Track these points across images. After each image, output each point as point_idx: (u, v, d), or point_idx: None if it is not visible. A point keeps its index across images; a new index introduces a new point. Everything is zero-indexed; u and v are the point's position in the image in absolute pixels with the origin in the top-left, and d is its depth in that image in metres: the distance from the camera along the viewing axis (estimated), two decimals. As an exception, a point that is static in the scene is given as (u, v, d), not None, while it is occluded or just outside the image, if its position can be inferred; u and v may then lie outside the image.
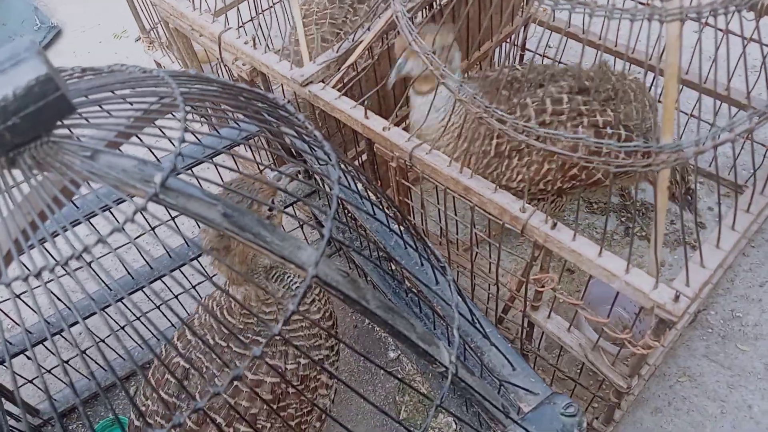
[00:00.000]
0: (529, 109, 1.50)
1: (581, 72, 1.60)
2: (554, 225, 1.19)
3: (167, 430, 0.54)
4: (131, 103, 0.67)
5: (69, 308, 0.68)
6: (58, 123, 0.57)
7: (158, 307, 1.60)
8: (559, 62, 1.63)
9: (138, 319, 1.53)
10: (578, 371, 1.55)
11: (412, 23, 1.29)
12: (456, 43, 1.47)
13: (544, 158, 1.52)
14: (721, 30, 1.17)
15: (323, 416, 1.40)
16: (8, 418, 1.55)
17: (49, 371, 1.70)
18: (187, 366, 1.31)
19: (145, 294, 1.76)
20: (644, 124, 1.56)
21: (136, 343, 1.72)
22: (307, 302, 1.38)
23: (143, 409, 1.34)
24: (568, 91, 1.51)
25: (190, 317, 1.45)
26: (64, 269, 0.54)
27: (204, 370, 1.29)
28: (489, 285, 1.58)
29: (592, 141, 1.07)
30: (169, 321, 1.81)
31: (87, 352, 1.61)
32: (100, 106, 0.65)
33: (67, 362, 1.70)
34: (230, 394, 1.25)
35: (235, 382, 1.22)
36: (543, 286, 1.34)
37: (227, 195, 1.12)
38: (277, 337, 1.22)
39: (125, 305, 1.62)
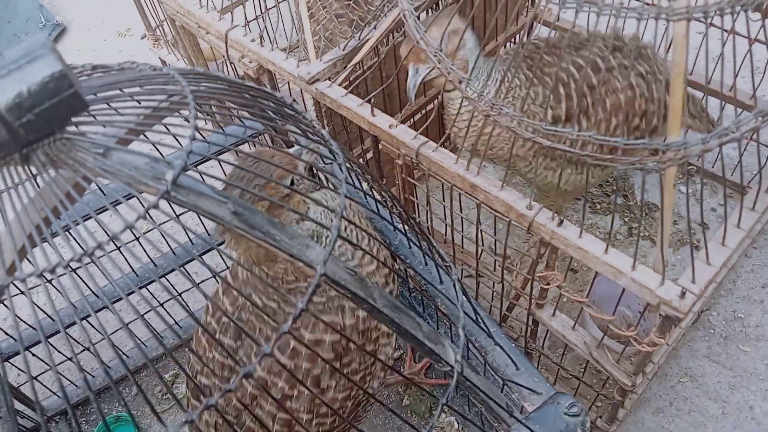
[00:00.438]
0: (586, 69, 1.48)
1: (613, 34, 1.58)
2: (561, 222, 1.20)
3: (220, 395, 0.54)
4: (140, 101, 0.68)
5: (73, 306, 0.68)
6: (72, 120, 0.58)
7: (158, 306, 1.61)
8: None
9: (148, 313, 1.53)
10: (582, 370, 1.55)
11: (419, 22, 1.29)
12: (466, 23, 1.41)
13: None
14: (726, 30, 1.17)
15: (386, 366, 1.32)
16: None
17: (53, 368, 1.71)
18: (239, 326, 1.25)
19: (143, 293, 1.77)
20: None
21: (156, 332, 1.73)
22: (358, 256, 1.27)
23: (195, 370, 1.29)
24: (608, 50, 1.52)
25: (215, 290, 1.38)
26: (69, 268, 0.54)
27: (257, 331, 1.22)
28: (494, 283, 1.59)
29: (598, 139, 1.07)
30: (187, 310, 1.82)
31: (95, 347, 1.62)
32: (110, 104, 0.66)
33: (70, 359, 1.72)
34: (289, 355, 1.18)
35: (293, 344, 1.17)
36: (548, 284, 1.35)
37: (242, 175, 1.08)
38: (331, 295, 1.19)
39: (144, 295, 1.63)
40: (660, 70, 1.55)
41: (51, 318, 1.53)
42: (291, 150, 1.19)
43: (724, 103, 1.57)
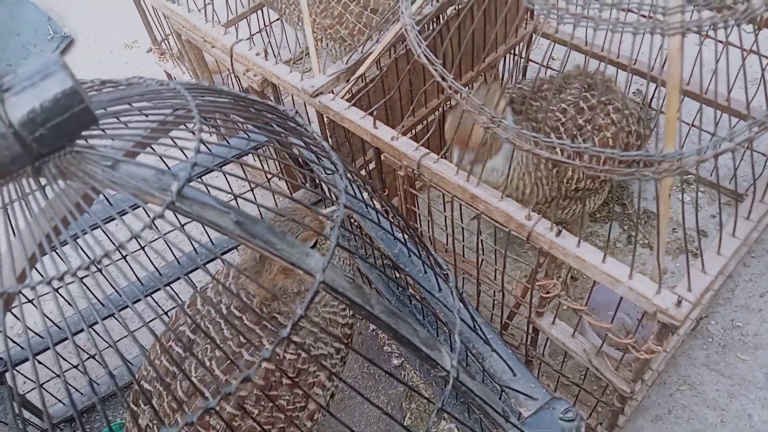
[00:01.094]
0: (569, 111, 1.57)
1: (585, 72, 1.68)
2: (559, 232, 1.22)
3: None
4: (147, 115, 0.71)
5: (80, 314, 0.71)
6: (82, 134, 0.60)
7: (163, 315, 1.62)
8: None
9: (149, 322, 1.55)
10: (582, 377, 1.56)
11: (421, 36, 1.32)
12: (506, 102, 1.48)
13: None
14: (721, 42, 1.20)
15: (315, 416, 1.38)
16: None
17: (61, 375, 1.73)
18: (193, 336, 1.30)
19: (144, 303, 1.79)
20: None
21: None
22: (339, 306, 1.38)
23: (144, 374, 1.34)
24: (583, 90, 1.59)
25: (204, 286, 1.46)
26: (77, 277, 0.57)
27: (207, 341, 1.28)
28: (494, 292, 1.61)
29: (595, 151, 1.09)
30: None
31: (101, 354, 1.64)
32: (119, 118, 0.69)
33: (76, 367, 1.74)
34: (223, 370, 1.24)
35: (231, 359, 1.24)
36: (548, 293, 1.37)
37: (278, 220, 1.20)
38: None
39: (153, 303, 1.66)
40: (627, 104, 1.64)
41: (58, 326, 1.56)
42: (325, 211, 1.25)
43: (720, 113, 1.59)
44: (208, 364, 1.25)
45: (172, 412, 1.27)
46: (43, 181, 0.61)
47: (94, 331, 1.65)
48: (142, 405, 1.31)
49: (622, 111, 1.63)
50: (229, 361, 1.24)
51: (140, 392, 1.28)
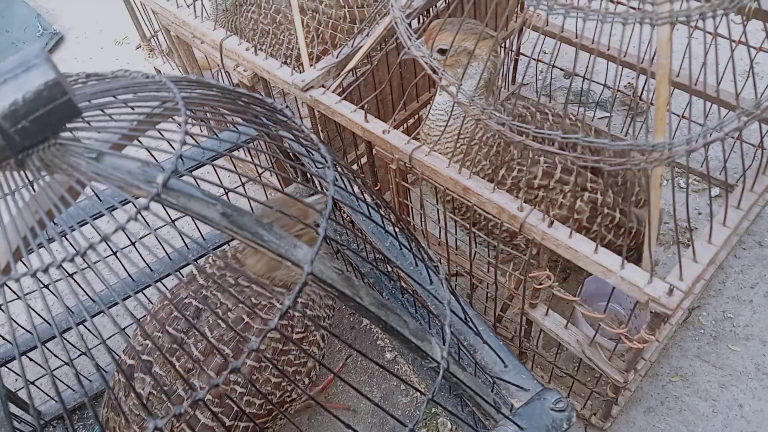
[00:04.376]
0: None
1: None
2: (551, 223, 1.22)
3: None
4: (134, 108, 0.70)
5: (70, 310, 0.70)
6: (65, 126, 0.60)
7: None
8: (553, 66, 1.66)
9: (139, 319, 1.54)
10: (576, 368, 1.57)
11: (411, 29, 1.32)
12: (486, 54, 1.38)
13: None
14: (710, 33, 1.20)
15: (312, 373, 1.48)
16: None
17: (49, 372, 1.73)
18: (201, 306, 1.36)
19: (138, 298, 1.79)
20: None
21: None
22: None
23: (140, 348, 1.39)
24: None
25: (202, 265, 1.52)
26: (63, 269, 0.57)
27: (218, 305, 1.35)
28: (487, 284, 1.61)
29: (587, 141, 1.09)
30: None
31: (90, 352, 1.62)
32: (104, 111, 0.68)
33: (68, 363, 1.73)
34: (243, 328, 1.32)
35: (244, 320, 1.32)
36: (540, 284, 1.37)
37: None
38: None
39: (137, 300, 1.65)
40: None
41: (48, 323, 1.55)
42: (309, 199, 1.31)
43: (710, 104, 1.60)
44: (222, 326, 1.33)
45: (187, 372, 1.33)
46: (27, 173, 0.60)
47: (85, 327, 1.64)
48: (142, 376, 1.35)
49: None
50: (245, 321, 1.33)
51: (121, 371, 1.33)
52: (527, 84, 2.38)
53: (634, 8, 1.14)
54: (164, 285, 1.82)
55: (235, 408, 1.31)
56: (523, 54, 2.29)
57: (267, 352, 1.34)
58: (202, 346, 1.32)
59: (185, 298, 1.39)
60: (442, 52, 1.40)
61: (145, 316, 1.58)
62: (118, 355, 1.81)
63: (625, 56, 1.82)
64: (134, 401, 1.34)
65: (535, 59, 2.17)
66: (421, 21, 1.84)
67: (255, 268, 1.38)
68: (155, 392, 1.32)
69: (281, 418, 1.49)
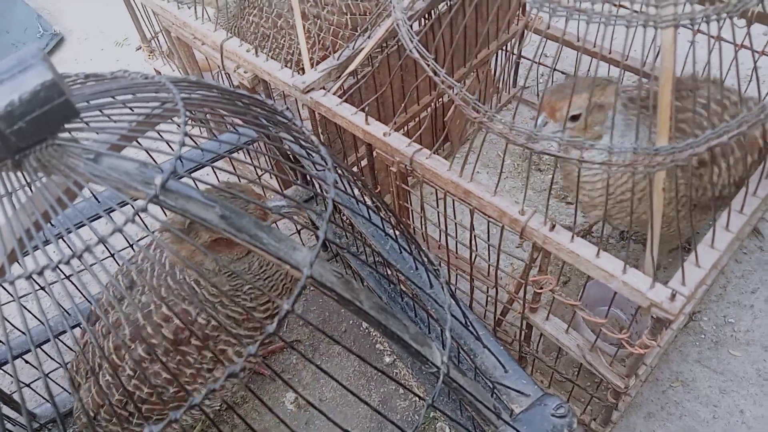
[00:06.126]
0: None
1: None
2: (553, 227, 1.21)
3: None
4: (133, 109, 0.69)
5: (66, 312, 0.69)
6: (63, 127, 0.59)
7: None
8: (555, 69, 1.65)
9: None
10: (576, 373, 1.56)
11: (412, 30, 1.31)
12: (614, 99, 1.27)
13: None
14: (713, 37, 1.20)
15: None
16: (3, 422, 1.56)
17: (44, 375, 1.72)
18: (135, 278, 1.43)
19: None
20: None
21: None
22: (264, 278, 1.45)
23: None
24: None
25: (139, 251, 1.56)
26: (59, 270, 0.56)
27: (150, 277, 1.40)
28: (488, 288, 1.60)
29: (588, 143, 1.09)
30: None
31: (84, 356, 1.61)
32: (102, 112, 0.67)
33: (64, 366, 1.72)
34: (143, 315, 1.35)
35: (150, 308, 1.35)
36: (542, 288, 1.36)
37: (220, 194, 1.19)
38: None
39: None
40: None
41: (44, 324, 1.54)
42: (270, 204, 1.30)
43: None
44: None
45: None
46: (25, 175, 0.60)
47: (81, 329, 1.63)
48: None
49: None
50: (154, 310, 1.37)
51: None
52: (528, 87, 2.38)
53: (637, 11, 1.14)
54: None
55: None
56: (524, 57, 2.28)
57: (159, 348, 1.35)
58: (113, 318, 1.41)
59: (135, 263, 1.46)
60: (575, 118, 1.34)
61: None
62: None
63: (627, 59, 1.82)
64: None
65: (536, 62, 2.17)
66: (423, 24, 1.84)
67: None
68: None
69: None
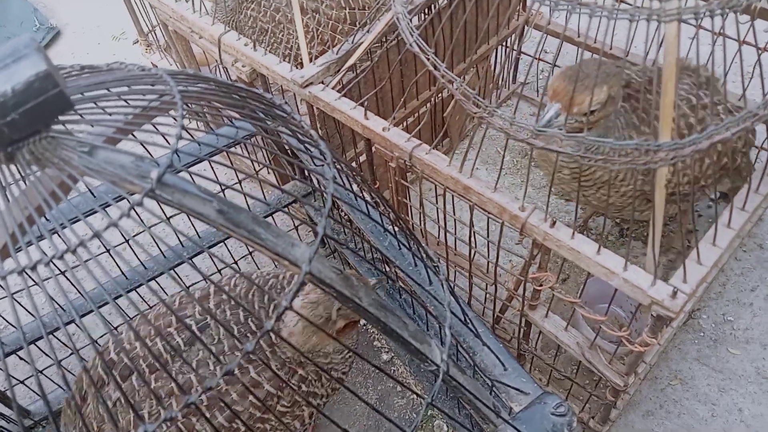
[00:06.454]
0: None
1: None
2: (553, 223, 1.20)
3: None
4: (128, 101, 0.68)
5: (61, 308, 0.68)
6: (57, 119, 0.58)
7: (147, 310, 1.59)
8: (555, 66, 1.64)
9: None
10: (575, 370, 1.55)
11: (412, 24, 1.30)
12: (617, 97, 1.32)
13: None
14: (716, 33, 1.18)
15: None
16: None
17: (36, 373, 1.70)
18: (198, 333, 1.27)
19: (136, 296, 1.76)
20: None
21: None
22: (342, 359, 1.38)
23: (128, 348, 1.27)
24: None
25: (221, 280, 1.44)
26: (53, 264, 0.54)
27: (214, 340, 1.27)
28: (486, 285, 1.59)
29: (591, 140, 1.08)
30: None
31: (78, 353, 1.60)
32: (97, 104, 0.66)
33: (59, 363, 1.71)
34: (226, 380, 1.23)
35: (236, 372, 1.22)
36: (541, 285, 1.35)
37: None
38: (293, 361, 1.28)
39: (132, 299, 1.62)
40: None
41: (39, 319, 1.53)
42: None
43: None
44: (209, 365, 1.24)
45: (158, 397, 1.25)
46: (17, 167, 0.58)
47: (76, 324, 1.62)
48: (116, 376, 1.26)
49: (732, 113, 1.50)
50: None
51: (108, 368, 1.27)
52: (528, 83, 2.36)
53: (640, 6, 1.12)
54: (158, 283, 1.79)
55: None
56: (524, 53, 2.27)
57: (243, 415, 1.24)
58: (182, 379, 1.22)
59: (189, 316, 1.30)
60: (593, 112, 1.31)
61: (137, 315, 1.52)
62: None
63: (628, 55, 1.81)
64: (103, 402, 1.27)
65: (536, 58, 2.15)
66: (423, 18, 1.82)
67: (299, 342, 1.28)
68: (122, 402, 1.24)
69: None
